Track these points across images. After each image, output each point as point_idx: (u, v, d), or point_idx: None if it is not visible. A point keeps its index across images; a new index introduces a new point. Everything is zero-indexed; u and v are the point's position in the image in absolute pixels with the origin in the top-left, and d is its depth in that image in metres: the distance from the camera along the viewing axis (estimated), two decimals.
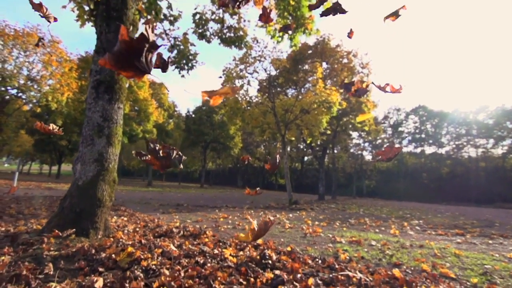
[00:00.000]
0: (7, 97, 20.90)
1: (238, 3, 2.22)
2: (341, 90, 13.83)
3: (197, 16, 8.60)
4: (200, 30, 8.77)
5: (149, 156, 1.55)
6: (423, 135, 34.91)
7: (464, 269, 3.43)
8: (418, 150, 35.66)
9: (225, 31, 8.88)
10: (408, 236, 5.67)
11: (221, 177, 47.56)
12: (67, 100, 20.29)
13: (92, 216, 3.51)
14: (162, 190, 21.43)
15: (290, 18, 6.75)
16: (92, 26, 4.79)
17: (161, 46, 1.12)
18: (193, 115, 32.83)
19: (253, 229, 1.76)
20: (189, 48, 9.32)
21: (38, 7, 2.60)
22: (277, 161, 2.22)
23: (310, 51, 16.36)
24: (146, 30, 1.06)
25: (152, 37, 1.07)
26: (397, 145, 2.07)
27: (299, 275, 2.31)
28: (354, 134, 28.84)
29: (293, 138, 14.93)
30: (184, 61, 9.35)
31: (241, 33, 8.89)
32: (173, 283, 1.99)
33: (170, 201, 11.64)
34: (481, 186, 28.46)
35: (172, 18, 8.42)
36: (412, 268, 3.34)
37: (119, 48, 1.00)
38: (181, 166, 1.59)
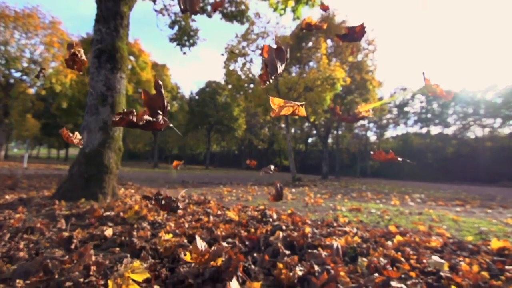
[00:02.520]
0: (12, 80, 21.03)
1: None
2: (346, 68, 13.61)
3: None
4: (201, 5, 8.59)
5: (154, 202, 1.75)
6: (429, 115, 34.40)
7: (460, 231, 3.53)
8: (424, 130, 35.29)
9: (226, 5, 8.70)
10: (408, 207, 5.78)
11: (225, 160, 47.95)
12: (71, 83, 20.33)
13: (100, 182, 3.65)
14: (168, 171, 21.79)
15: None
16: None
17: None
18: (197, 97, 32.73)
19: (196, 246, 1.28)
20: (190, 24, 9.18)
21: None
22: (280, 189, 2.21)
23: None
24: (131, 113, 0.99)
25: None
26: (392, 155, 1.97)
27: (297, 228, 2.42)
28: None
29: (297, 117, 14.87)
30: (186, 38, 9.25)
31: (242, 7, 8.71)
32: (177, 231, 2.11)
33: (176, 179, 11.90)
34: (486, 165, 28.29)
35: None
36: (409, 230, 3.44)
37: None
38: (179, 211, 1.77)
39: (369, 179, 25.28)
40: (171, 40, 9.31)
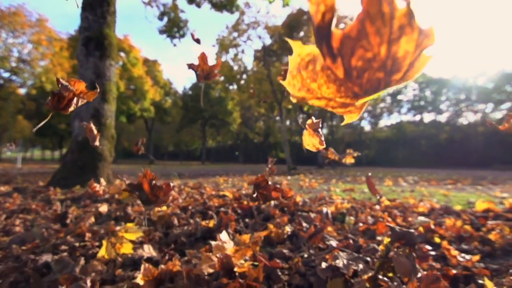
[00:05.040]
0: (1, 81, 20.70)
1: None
2: None
3: None
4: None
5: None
6: (422, 103, 34.70)
7: (449, 203, 3.63)
8: (417, 118, 35.62)
9: None
10: (401, 186, 5.89)
11: (222, 154, 47.89)
12: None
13: (94, 169, 3.67)
14: (164, 167, 21.76)
15: None
16: None
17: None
18: (190, 92, 32.53)
19: (145, 267, 1.11)
20: (179, 15, 9.10)
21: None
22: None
23: (305, 17, 15.89)
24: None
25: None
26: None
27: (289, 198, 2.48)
28: None
29: (290, 106, 14.91)
30: (175, 29, 9.18)
31: None
32: (171, 204, 2.15)
33: (172, 173, 11.91)
34: (479, 150, 28.68)
35: None
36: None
37: None
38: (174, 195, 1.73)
39: (365, 167, 25.50)
40: (161, 32, 9.23)
